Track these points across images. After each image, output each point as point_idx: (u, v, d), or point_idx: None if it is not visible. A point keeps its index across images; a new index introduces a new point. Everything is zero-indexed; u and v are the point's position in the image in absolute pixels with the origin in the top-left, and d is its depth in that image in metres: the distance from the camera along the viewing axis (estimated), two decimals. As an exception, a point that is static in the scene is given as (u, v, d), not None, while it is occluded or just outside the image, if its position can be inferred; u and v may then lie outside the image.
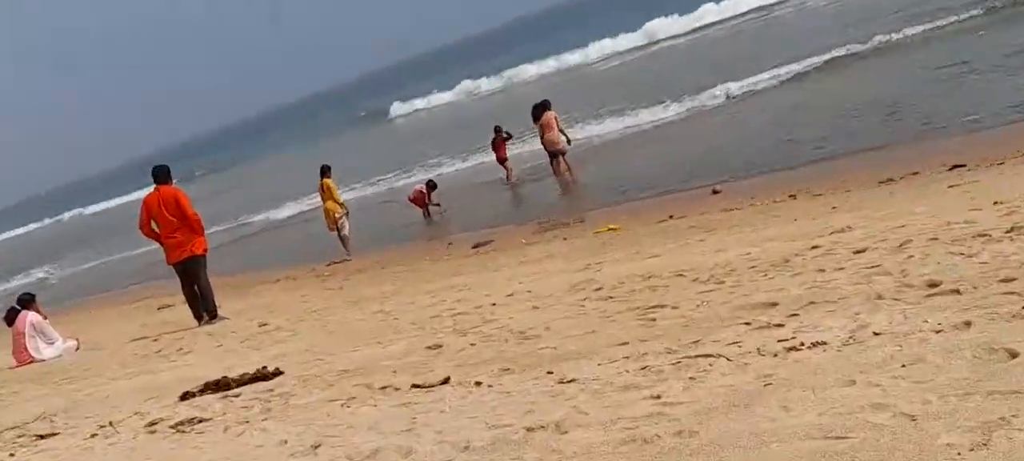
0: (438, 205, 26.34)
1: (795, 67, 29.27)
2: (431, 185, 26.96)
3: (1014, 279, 6.35)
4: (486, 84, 74.06)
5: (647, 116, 30.78)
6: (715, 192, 17.42)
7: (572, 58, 67.17)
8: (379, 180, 37.73)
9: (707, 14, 59.73)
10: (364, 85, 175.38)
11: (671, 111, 30.16)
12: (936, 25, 28.44)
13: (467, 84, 76.42)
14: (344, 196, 25.08)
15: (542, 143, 25.85)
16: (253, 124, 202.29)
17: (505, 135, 28.03)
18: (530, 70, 69.88)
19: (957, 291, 6.44)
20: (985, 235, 7.99)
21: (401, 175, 36.58)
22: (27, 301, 16.22)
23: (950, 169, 13.32)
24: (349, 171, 36.04)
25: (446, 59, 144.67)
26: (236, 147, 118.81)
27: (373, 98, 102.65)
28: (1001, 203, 9.35)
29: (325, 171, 23.85)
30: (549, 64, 68.52)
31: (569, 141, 25.47)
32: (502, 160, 28.10)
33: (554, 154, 25.48)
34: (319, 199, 24.33)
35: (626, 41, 63.22)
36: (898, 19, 31.11)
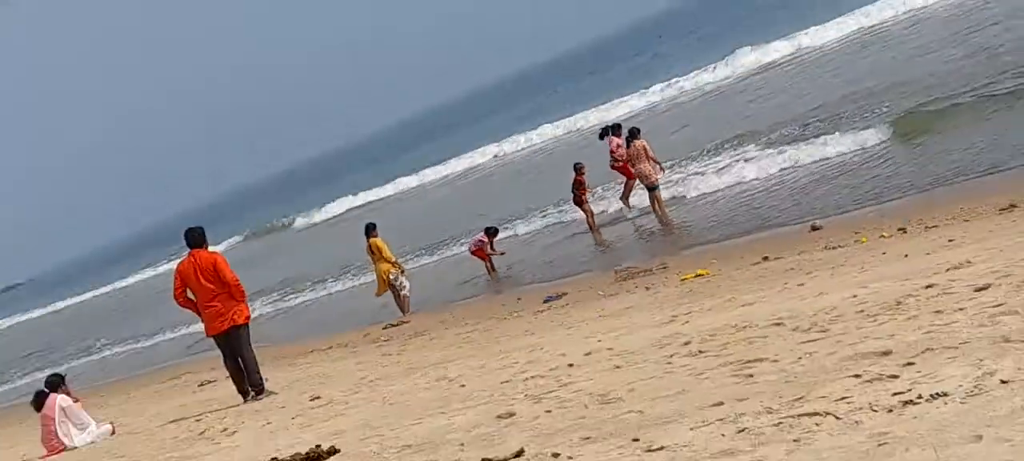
0: (502, 253, 26.40)
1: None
2: (491, 231, 26.80)
3: None
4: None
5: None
6: (814, 229, 17.39)
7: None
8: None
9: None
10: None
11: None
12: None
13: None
14: None
15: (634, 175, 25.99)
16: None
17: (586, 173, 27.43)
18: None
19: (1095, 330, 6.34)
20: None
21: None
22: (56, 383, 16.31)
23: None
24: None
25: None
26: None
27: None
28: None
29: (370, 230, 24.10)
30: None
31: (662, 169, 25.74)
32: (582, 202, 27.40)
33: (650, 188, 25.62)
34: (373, 259, 24.31)
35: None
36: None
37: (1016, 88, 21.88)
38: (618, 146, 27.45)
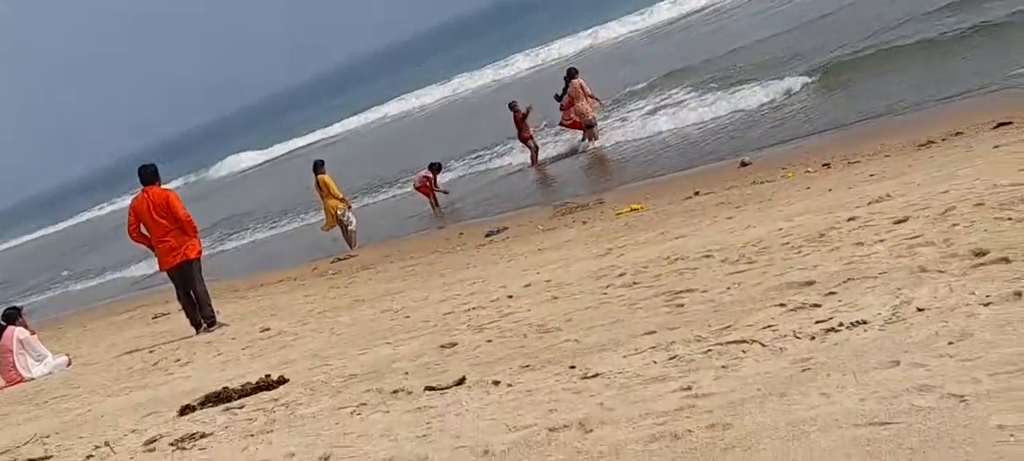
0: (446, 192, 26.39)
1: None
2: (435, 167, 26.78)
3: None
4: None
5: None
6: (743, 164, 17.46)
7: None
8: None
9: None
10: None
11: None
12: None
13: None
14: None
15: (573, 114, 26.07)
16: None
17: (525, 110, 27.38)
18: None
19: (1006, 259, 6.38)
20: (1036, 197, 7.95)
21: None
22: (13, 316, 16.17)
23: (995, 128, 13.26)
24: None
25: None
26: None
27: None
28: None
29: (318, 166, 23.93)
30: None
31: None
32: (526, 139, 27.59)
33: (588, 125, 25.80)
34: (321, 196, 24.14)
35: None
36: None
37: (928, 37, 22.12)
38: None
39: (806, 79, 22.87)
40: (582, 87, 25.94)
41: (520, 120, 27.29)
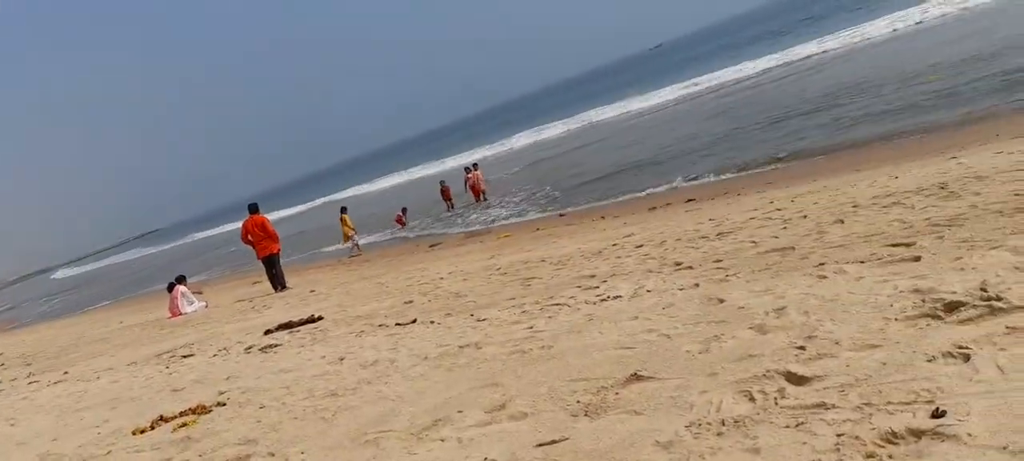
0: (404, 226, 25.58)
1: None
2: (404, 211, 26.36)
3: (721, 260, 6.48)
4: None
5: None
6: (561, 216, 17.53)
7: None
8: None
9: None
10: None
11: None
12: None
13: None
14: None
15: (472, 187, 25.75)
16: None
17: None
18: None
19: (690, 266, 6.54)
20: (705, 236, 8.14)
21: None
22: (181, 279, 16.07)
23: (687, 202, 13.55)
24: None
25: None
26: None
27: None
28: (714, 219, 9.55)
29: (343, 210, 23.50)
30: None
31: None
32: (447, 199, 26.22)
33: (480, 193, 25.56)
34: (341, 225, 23.30)
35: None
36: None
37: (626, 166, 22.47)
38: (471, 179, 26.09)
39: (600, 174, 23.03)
40: (479, 177, 25.74)
41: (445, 191, 26.39)
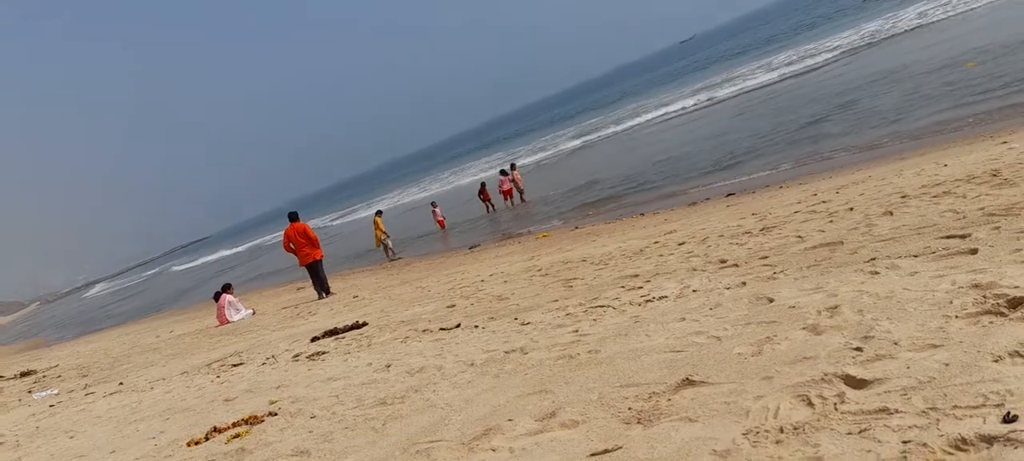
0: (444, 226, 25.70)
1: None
2: (435, 204, 26.42)
3: (767, 257, 6.35)
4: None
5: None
6: (593, 214, 17.41)
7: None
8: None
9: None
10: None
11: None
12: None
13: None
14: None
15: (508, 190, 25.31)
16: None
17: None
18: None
19: (736, 264, 6.42)
20: (748, 232, 8.00)
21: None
22: (227, 287, 16.28)
23: (727, 196, 13.36)
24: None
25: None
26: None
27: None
28: (756, 214, 9.39)
29: (379, 213, 23.73)
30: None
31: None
32: (486, 200, 25.74)
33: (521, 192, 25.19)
34: (374, 228, 23.44)
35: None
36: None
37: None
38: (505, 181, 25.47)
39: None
40: (517, 179, 25.49)
41: (484, 190, 26.05)
